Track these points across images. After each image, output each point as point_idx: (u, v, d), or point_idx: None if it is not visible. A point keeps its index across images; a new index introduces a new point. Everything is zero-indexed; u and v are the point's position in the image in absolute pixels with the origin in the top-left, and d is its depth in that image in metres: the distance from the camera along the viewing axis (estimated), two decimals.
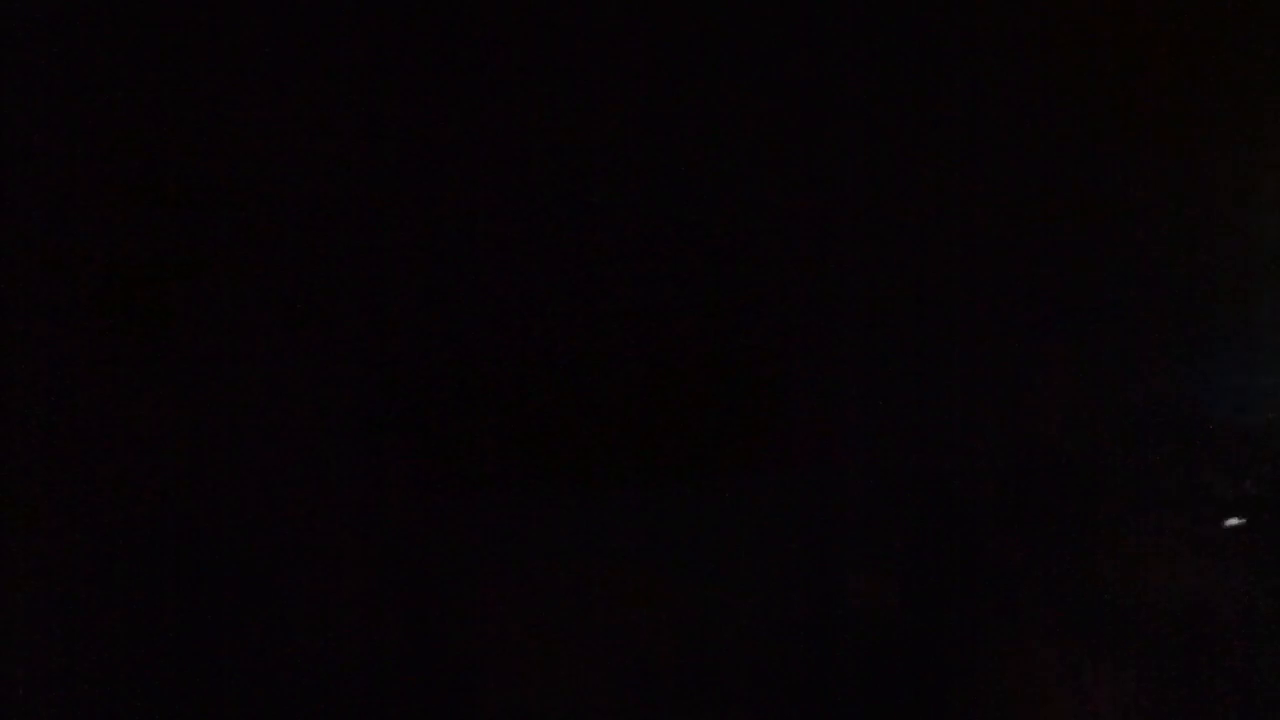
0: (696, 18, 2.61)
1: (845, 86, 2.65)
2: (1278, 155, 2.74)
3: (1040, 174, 2.73)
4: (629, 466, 2.66)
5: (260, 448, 2.63)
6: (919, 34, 2.69)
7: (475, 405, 2.63)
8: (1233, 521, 2.84)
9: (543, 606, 2.70)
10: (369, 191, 2.60)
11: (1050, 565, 2.88)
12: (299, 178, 2.59)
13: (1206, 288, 2.82)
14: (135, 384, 2.62)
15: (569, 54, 2.59)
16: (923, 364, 2.77)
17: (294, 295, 2.60)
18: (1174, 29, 2.67)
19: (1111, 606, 2.91)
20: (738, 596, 2.78)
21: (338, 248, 2.60)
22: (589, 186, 2.58)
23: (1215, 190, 2.78)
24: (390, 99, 2.59)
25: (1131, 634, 2.89)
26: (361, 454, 2.66)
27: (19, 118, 2.58)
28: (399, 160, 2.60)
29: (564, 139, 2.59)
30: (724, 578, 2.77)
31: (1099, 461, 2.90)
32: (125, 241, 2.58)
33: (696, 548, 2.74)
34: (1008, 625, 2.88)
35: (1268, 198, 2.76)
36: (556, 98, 2.60)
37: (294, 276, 2.61)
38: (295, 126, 2.59)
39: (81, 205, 2.59)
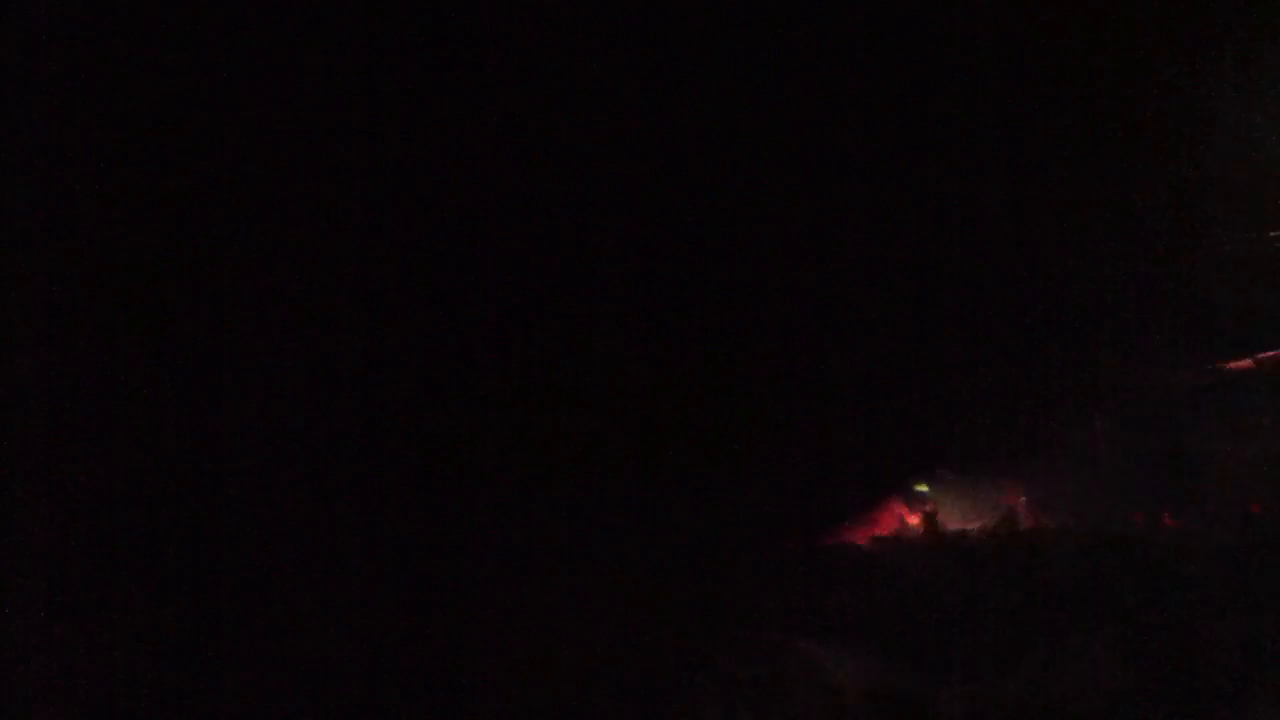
0: (697, 20, 2.60)
1: (846, 89, 2.64)
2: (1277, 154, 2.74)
3: (1040, 176, 2.73)
4: (629, 467, 2.67)
5: (260, 447, 2.63)
6: (920, 36, 2.69)
7: (475, 406, 2.63)
8: None
9: (542, 606, 2.71)
10: (371, 195, 2.59)
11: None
12: (301, 179, 2.59)
13: (1205, 286, 2.82)
14: (135, 384, 2.62)
15: (570, 57, 2.58)
16: (922, 364, 2.77)
17: (295, 296, 2.60)
18: (1175, 32, 2.67)
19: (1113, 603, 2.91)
20: (737, 596, 2.78)
21: (340, 250, 2.60)
22: (591, 190, 2.58)
23: (1215, 191, 2.77)
24: (393, 103, 2.58)
25: (1131, 627, 2.89)
26: (362, 453, 2.66)
27: (20, 118, 2.58)
28: (401, 165, 2.59)
29: (565, 143, 2.59)
30: (723, 577, 2.77)
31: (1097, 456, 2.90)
32: (125, 241, 2.58)
33: (696, 547, 2.74)
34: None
35: (1267, 201, 2.75)
36: (558, 102, 2.59)
37: (295, 277, 2.61)
38: (297, 128, 2.59)
39: (83, 205, 2.59)
